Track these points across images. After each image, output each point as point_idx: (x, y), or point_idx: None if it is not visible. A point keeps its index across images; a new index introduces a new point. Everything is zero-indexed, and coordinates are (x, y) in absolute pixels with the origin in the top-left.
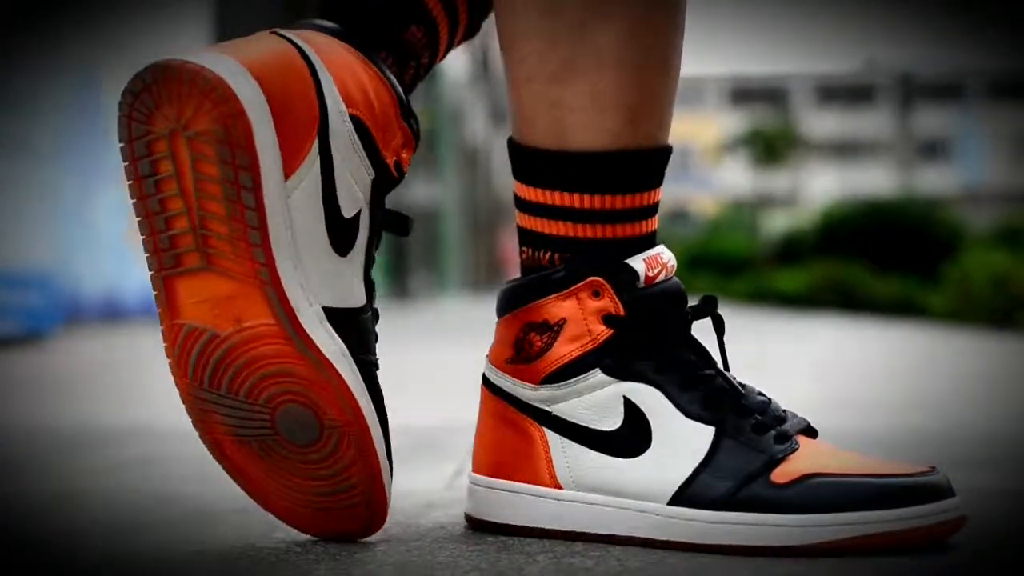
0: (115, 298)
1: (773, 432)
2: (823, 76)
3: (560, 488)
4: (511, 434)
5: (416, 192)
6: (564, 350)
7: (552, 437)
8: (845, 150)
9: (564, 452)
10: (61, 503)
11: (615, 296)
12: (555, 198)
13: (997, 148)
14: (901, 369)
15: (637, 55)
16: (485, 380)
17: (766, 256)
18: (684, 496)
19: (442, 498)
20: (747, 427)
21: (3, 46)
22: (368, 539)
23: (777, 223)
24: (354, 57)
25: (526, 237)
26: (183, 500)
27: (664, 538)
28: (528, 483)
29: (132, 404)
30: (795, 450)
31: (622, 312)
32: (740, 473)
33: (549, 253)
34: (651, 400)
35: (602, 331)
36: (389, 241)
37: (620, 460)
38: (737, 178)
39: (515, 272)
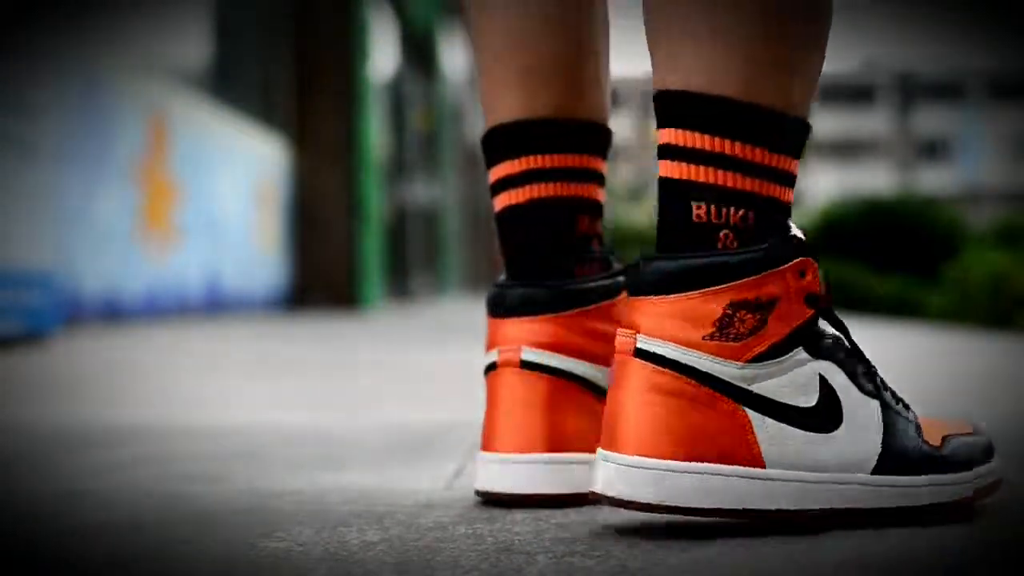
0: (116, 298)
1: (901, 401)
2: (823, 76)
3: (764, 467)
4: (703, 413)
5: (416, 192)
6: (776, 329)
7: (753, 416)
8: (845, 150)
9: (767, 430)
10: (61, 503)
11: (818, 276)
12: (755, 155)
13: (997, 148)
14: (900, 368)
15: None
16: (658, 359)
17: None
18: (885, 465)
19: (442, 498)
20: (891, 398)
21: (3, 46)
22: (368, 539)
23: None
24: None
25: (704, 192)
26: (183, 500)
27: (874, 506)
28: (731, 464)
29: (132, 404)
30: None
31: (821, 291)
32: (911, 440)
33: (733, 209)
34: (838, 377)
35: (805, 310)
36: (389, 241)
37: (820, 435)
38: None
39: None
